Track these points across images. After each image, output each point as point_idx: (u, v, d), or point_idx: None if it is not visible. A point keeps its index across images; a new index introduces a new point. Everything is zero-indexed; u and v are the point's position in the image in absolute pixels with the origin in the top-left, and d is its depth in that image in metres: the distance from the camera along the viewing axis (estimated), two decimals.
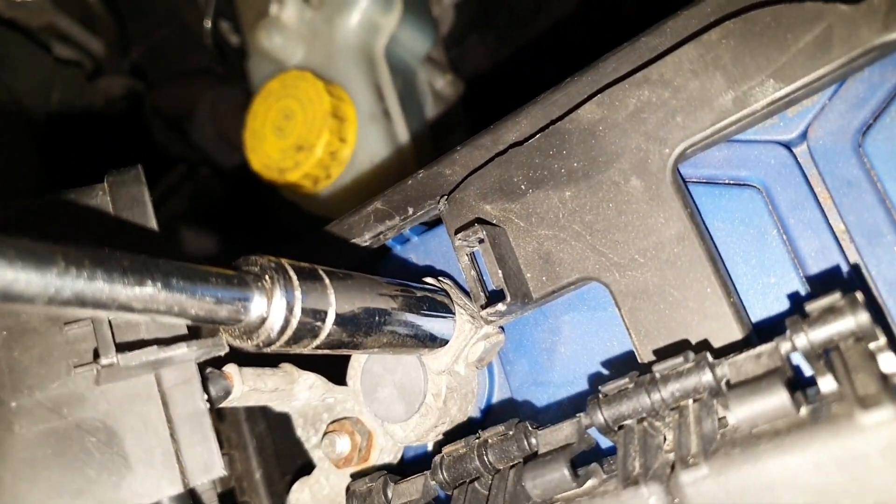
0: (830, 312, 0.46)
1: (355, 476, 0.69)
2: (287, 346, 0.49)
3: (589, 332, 0.65)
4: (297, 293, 0.49)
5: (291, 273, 0.49)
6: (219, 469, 0.47)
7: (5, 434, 0.46)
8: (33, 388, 0.48)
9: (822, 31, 0.53)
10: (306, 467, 0.78)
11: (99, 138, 1.45)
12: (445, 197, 0.68)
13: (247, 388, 0.62)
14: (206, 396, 0.49)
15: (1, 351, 0.49)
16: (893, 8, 0.51)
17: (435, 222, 0.77)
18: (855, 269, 0.57)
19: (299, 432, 0.76)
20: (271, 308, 0.47)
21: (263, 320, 0.47)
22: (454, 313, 0.65)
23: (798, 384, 0.48)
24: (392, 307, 0.57)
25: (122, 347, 0.46)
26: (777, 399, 0.43)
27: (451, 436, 0.68)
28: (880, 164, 0.57)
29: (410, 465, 0.76)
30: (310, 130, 1.23)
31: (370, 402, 0.69)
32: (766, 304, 0.59)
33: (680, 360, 0.50)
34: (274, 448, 0.83)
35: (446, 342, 0.64)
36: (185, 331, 0.51)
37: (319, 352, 0.53)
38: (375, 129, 1.28)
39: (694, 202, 0.60)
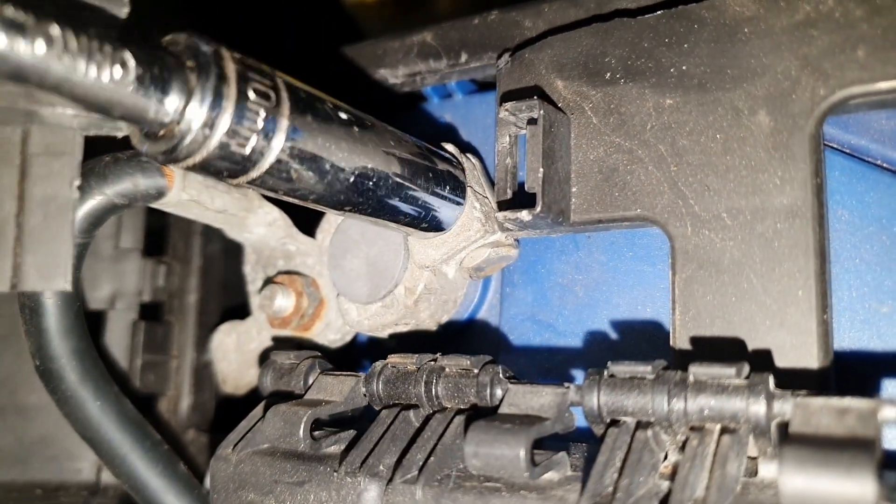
0: None
1: (284, 344, 0.57)
2: (205, 169, 0.35)
3: (623, 286, 0.50)
4: (232, 98, 0.35)
5: (231, 68, 0.35)
6: (63, 282, 0.34)
7: None
8: None
9: None
10: (244, 309, 0.66)
11: None
12: (511, 52, 0.52)
13: (186, 196, 0.49)
14: (78, 183, 0.36)
15: None
16: None
17: (489, 85, 0.61)
18: None
19: (247, 269, 0.64)
20: (188, 107, 0.33)
21: (176, 122, 0.33)
22: (464, 201, 0.50)
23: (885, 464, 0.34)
24: (382, 162, 0.43)
25: None
26: (858, 486, 0.29)
27: (410, 341, 0.55)
28: None
29: (360, 350, 0.64)
30: None
31: (334, 267, 0.56)
32: (864, 338, 0.44)
33: (730, 370, 0.36)
34: (222, 277, 0.71)
35: (443, 231, 0.50)
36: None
37: (259, 191, 0.39)
38: None
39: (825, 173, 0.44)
